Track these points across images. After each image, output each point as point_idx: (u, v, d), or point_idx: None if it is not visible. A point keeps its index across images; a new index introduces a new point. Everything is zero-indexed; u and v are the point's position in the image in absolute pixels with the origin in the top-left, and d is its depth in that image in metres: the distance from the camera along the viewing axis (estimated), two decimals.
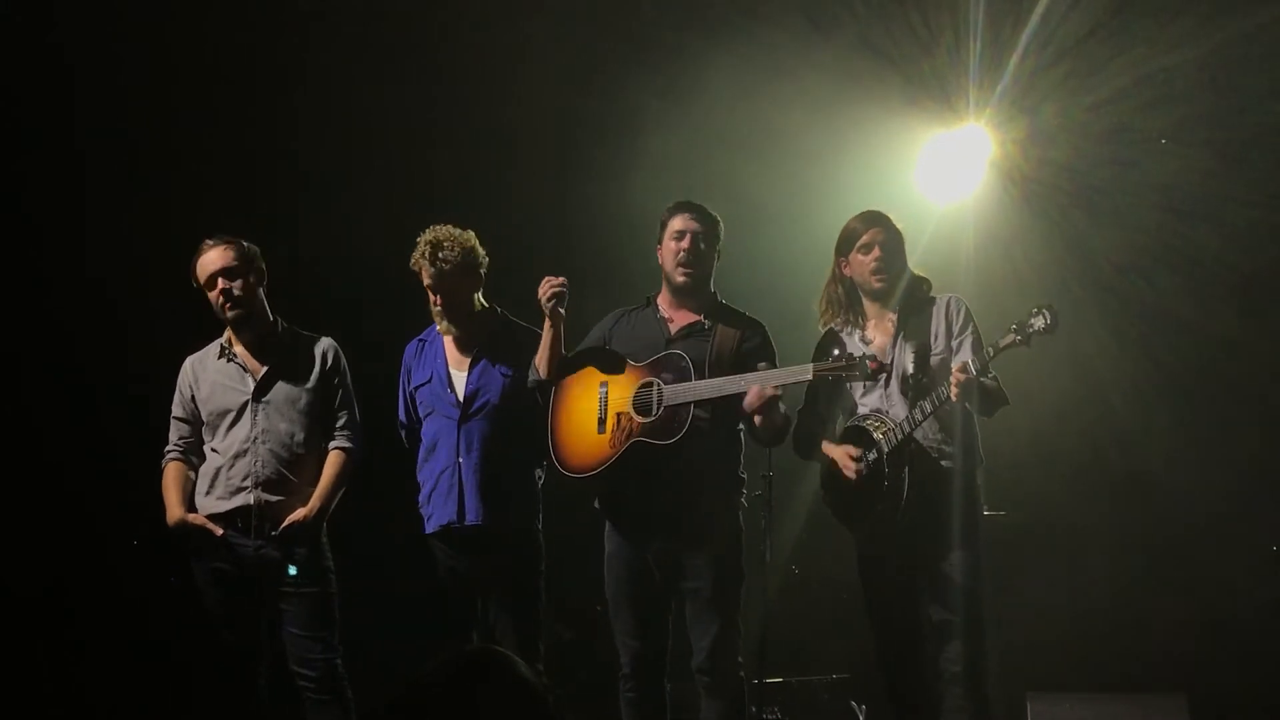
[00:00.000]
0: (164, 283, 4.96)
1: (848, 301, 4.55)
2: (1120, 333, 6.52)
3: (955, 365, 4.13)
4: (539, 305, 4.44)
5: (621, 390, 4.38)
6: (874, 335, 4.49)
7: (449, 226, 4.77)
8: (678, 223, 4.50)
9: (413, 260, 4.76)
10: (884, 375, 4.34)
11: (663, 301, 4.59)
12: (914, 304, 4.46)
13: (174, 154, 6.29)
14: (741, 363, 4.33)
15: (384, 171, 6.60)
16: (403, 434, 5.00)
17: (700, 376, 4.24)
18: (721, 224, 4.56)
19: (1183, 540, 6.48)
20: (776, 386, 4.19)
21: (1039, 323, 4.01)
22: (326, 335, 4.86)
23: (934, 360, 4.35)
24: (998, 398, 4.29)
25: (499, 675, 2.17)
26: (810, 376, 4.14)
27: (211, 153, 6.32)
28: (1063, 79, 6.34)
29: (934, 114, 6.69)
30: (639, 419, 4.30)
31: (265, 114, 6.35)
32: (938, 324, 4.41)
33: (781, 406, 4.31)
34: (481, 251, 4.81)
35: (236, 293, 4.61)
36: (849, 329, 4.53)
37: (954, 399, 4.10)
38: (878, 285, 4.46)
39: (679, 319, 4.52)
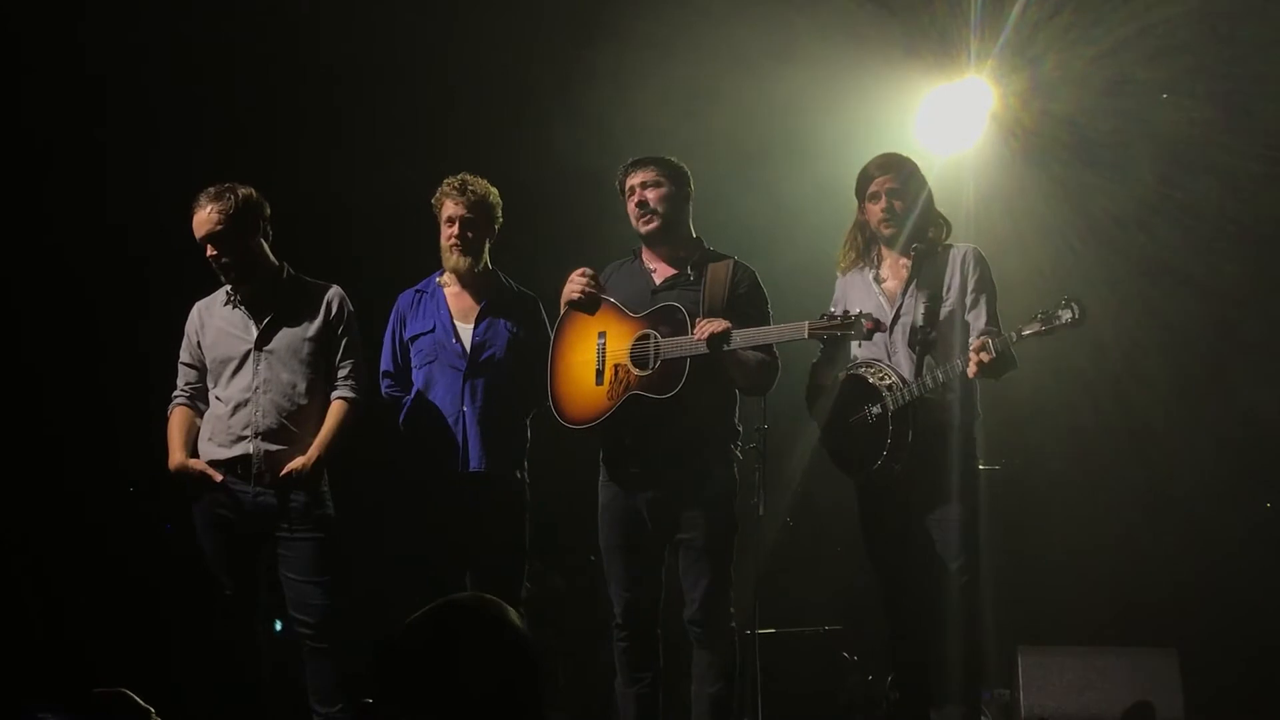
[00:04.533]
0: (170, 227, 4.90)
1: (865, 245, 4.57)
2: (1120, 285, 6.49)
3: (975, 344, 4.11)
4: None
5: (619, 341, 4.38)
6: (888, 276, 4.49)
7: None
8: (629, 180, 4.52)
9: (436, 196, 4.90)
10: (888, 323, 4.35)
11: (646, 255, 4.59)
12: (929, 248, 4.44)
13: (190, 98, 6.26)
14: (732, 310, 4.31)
15: (385, 125, 6.58)
16: (386, 381, 5.00)
17: (694, 329, 4.22)
18: (682, 168, 4.55)
19: (1178, 495, 6.48)
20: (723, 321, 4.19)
21: (1066, 315, 3.99)
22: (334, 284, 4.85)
23: (943, 313, 4.34)
24: (1008, 364, 4.24)
25: (488, 624, 2.17)
26: (805, 335, 4.12)
27: (228, 100, 6.32)
28: (1064, 30, 6.28)
29: (934, 66, 6.64)
30: (636, 372, 4.29)
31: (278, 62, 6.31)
32: (952, 275, 4.39)
33: (752, 354, 4.30)
34: (500, 208, 4.94)
35: (224, 260, 4.57)
36: (866, 270, 4.53)
37: (971, 375, 4.11)
38: (886, 233, 4.47)
39: (662, 270, 4.52)
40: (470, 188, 4.85)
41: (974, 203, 5.96)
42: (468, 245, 4.86)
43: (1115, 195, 6.54)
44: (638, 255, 4.61)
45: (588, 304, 4.48)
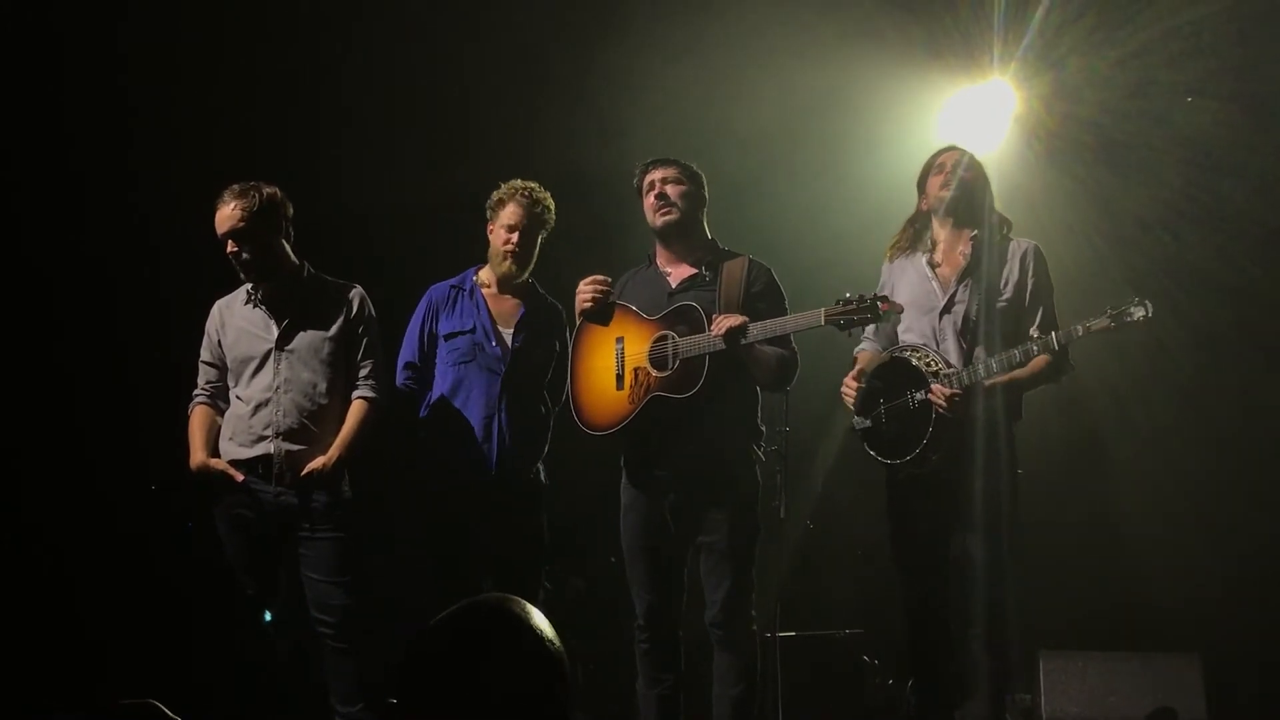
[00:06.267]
0: (191, 226, 4.91)
1: (917, 233, 4.56)
2: (1144, 287, 6.44)
3: (1039, 346, 4.13)
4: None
5: (637, 345, 4.38)
6: (941, 262, 4.47)
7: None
8: (649, 176, 4.54)
9: (497, 197, 4.92)
10: (939, 309, 4.35)
11: (661, 258, 4.59)
12: (989, 241, 4.42)
13: (212, 97, 6.27)
14: (749, 307, 4.30)
15: (402, 134, 6.59)
16: (406, 373, 4.97)
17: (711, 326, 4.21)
18: (700, 173, 4.57)
19: (1201, 499, 6.44)
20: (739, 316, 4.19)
21: (1138, 313, 4.00)
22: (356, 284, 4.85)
23: (999, 306, 4.32)
24: (1064, 368, 4.29)
25: (513, 626, 2.16)
26: (822, 322, 4.09)
27: (250, 99, 6.32)
28: (1088, 32, 6.26)
29: (958, 68, 6.63)
30: (655, 373, 4.29)
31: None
32: (1011, 269, 4.37)
33: (771, 349, 4.29)
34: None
35: (245, 257, 4.57)
36: (919, 255, 4.51)
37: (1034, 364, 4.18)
38: (944, 195, 4.45)
39: (678, 272, 4.52)
40: (536, 196, 4.89)
41: (997, 205, 5.96)
42: (523, 254, 4.90)
43: (1139, 198, 6.52)
44: (652, 260, 4.61)
45: (601, 312, 4.49)
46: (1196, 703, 5.66)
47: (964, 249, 4.42)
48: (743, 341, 4.16)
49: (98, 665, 5.68)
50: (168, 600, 5.90)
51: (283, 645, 4.68)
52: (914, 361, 4.29)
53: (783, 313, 4.37)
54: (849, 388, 4.49)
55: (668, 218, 4.47)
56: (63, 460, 6.05)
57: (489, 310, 4.92)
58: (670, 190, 4.47)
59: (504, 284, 4.96)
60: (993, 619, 4.17)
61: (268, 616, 4.66)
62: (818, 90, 6.54)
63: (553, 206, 4.95)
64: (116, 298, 6.23)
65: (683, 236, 4.51)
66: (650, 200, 4.50)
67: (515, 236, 4.87)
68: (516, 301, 4.96)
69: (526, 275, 4.96)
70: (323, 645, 4.57)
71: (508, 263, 4.89)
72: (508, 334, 4.89)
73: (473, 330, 4.89)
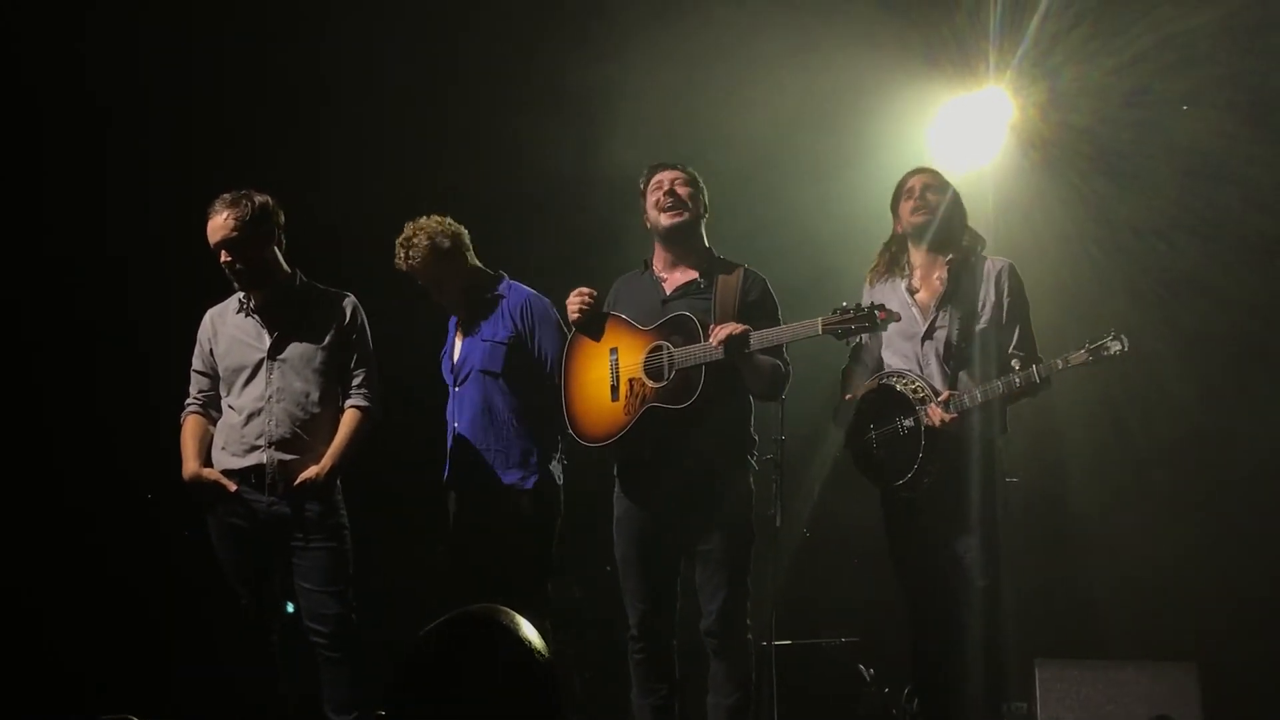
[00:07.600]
0: (184, 235, 4.90)
1: (894, 257, 4.56)
2: (1140, 296, 6.46)
3: (1021, 380, 4.16)
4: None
5: (631, 356, 4.36)
6: (920, 286, 4.48)
7: (415, 220, 4.90)
8: (657, 176, 4.53)
9: (396, 265, 4.93)
10: (919, 336, 4.36)
11: (658, 263, 4.57)
12: (965, 263, 4.43)
13: (197, 105, 6.28)
14: (744, 318, 4.28)
15: (396, 139, 6.59)
16: None
17: (707, 336, 4.20)
18: (701, 180, 4.56)
19: (1198, 508, 6.43)
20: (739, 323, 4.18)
21: (1115, 347, 4.04)
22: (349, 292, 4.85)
23: (978, 329, 4.34)
24: (1043, 386, 4.29)
25: (501, 636, 2.16)
26: (819, 331, 4.10)
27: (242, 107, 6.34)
28: (1084, 41, 6.27)
29: (954, 77, 6.63)
30: (651, 384, 4.28)
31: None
32: (987, 291, 4.39)
33: (766, 359, 4.28)
34: (452, 228, 4.92)
35: (238, 266, 4.57)
36: (897, 280, 4.51)
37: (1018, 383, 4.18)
38: (919, 221, 4.45)
39: (673, 279, 4.50)
40: (410, 253, 4.86)
41: (993, 214, 5.95)
42: (443, 294, 4.98)
43: (1135, 206, 6.52)
44: (648, 265, 4.60)
45: (592, 322, 4.49)
46: (1193, 712, 5.64)
47: (940, 274, 4.44)
48: (744, 351, 4.16)
49: (89, 676, 5.67)
50: (160, 610, 5.89)
51: (279, 654, 4.67)
52: (899, 388, 4.32)
53: (777, 323, 4.37)
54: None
55: (678, 219, 4.45)
56: (61, 467, 6.05)
57: (453, 334, 5.04)
58: (681, 191, 4.46)
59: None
60: (988, 628, 4.18)
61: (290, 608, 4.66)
62: (814, 97, 6.55)
63: (436, 231, 4.87)
64: (108, 307, 6.23)
65: (686, 240, 4.50)
66: (659, 198, 4.47)
67: (429, 287, 4.96)
68: (470, 313, 4.99)
69: (462, 301, 4.98)
70: (316, 655, 4.56)
71: (447, 305, 5.02)
72: (458, 346, 4.98)
73: (444, 357, 5.05)
